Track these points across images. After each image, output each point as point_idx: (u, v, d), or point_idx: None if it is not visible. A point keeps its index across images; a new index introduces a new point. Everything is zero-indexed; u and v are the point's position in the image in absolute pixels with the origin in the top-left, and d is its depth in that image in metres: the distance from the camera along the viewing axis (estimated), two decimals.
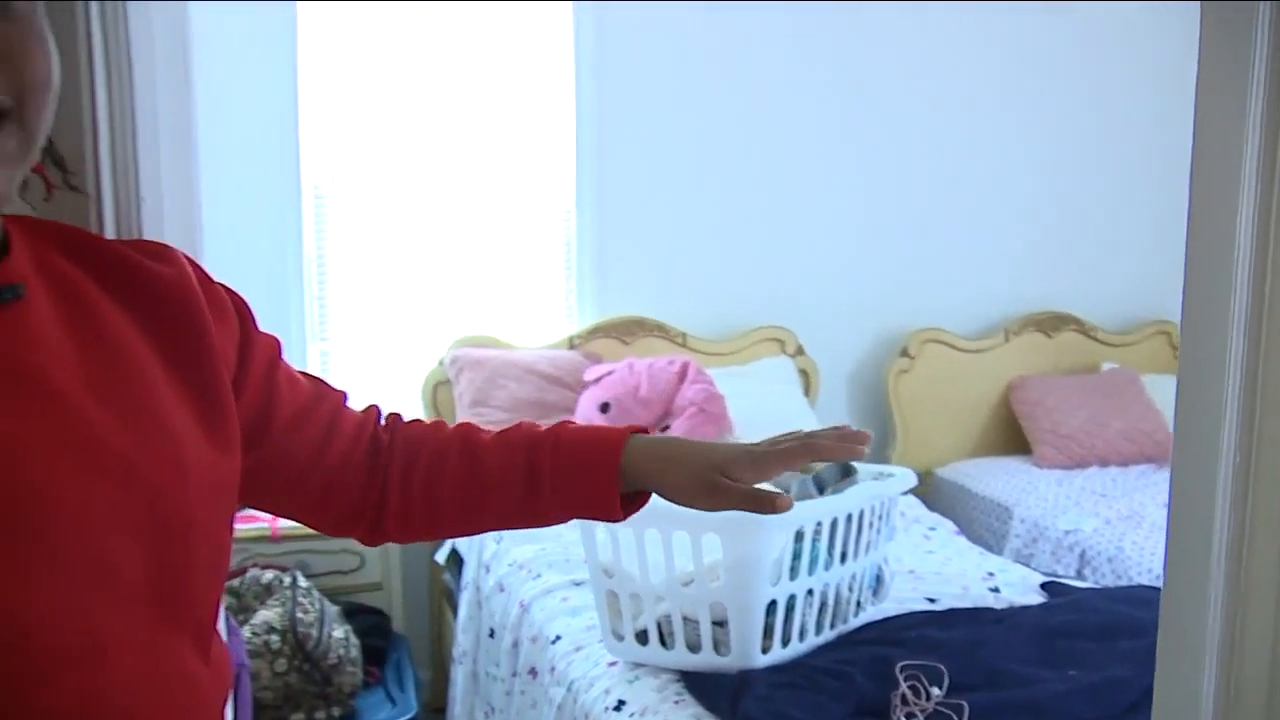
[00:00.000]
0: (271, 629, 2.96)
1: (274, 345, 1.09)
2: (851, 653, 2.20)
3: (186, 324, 0.96)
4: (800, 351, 4.21)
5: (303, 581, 3.14)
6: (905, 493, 2.70)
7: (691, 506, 1.09)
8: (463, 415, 3.78)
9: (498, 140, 4.00)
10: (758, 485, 1.07)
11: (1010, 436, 4.37)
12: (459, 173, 3.98)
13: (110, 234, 1.08)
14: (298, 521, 1.17)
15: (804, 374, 4.20)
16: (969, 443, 4.40)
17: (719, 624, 2.16)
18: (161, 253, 1.00)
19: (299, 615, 3.00)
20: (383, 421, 1.19)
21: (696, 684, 2.16)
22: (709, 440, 1.25)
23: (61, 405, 0.83)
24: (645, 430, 1.15)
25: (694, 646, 2.19)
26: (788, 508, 1.04)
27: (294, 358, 3.82)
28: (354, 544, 3.25)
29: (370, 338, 4.01)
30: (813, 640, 2.25)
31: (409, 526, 1.17)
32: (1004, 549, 3.76)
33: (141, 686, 0.85)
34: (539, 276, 4.12)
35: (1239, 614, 0.85)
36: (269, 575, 3.16)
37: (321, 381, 1.15)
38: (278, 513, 1.17)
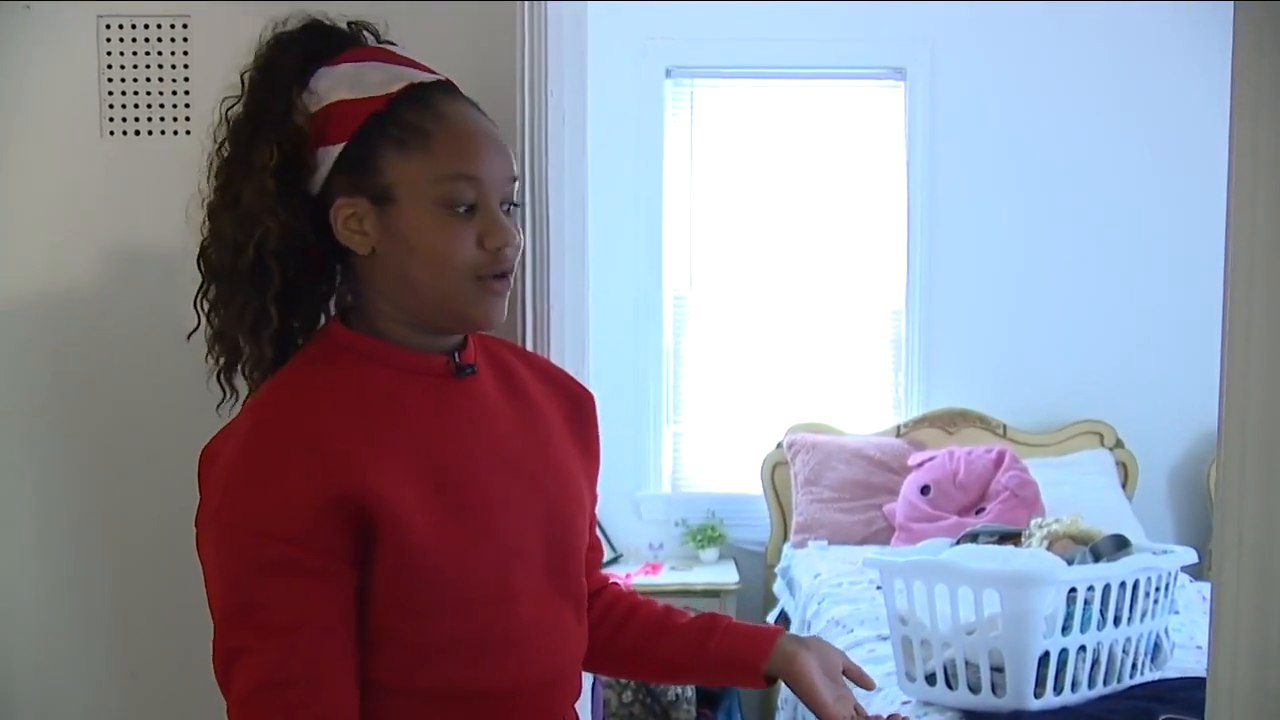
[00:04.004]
0: None
1: None
2: (1117, 703, 2.48)
3: (578, 402, 1.48)
4: (1119, 444, 4.39)
5: None
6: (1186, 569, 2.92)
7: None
8: (796, 493, 4.25)
9: (833, 246, 4.53)
10: None
11: None
12: (797, 277, 4.53)
13: (529, 328, 1.63)
14: None
15: (1122, 466, 4.36)
16: None
17: (997, 669, 2.49)
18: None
19: None
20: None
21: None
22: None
23: (500, 441, 1.34)
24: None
25: (975, 688, 2.53)
26: None
27: (649, 440, 4.47)
28: (698, 600, 3.76)
29: (717, 422, 4.57)
30: (1085, 692, 2.54)
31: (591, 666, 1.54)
32: None
33: (536, 627, 1.34)
34: (870, 370, 4.58)
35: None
36: None
37: None
38: None
